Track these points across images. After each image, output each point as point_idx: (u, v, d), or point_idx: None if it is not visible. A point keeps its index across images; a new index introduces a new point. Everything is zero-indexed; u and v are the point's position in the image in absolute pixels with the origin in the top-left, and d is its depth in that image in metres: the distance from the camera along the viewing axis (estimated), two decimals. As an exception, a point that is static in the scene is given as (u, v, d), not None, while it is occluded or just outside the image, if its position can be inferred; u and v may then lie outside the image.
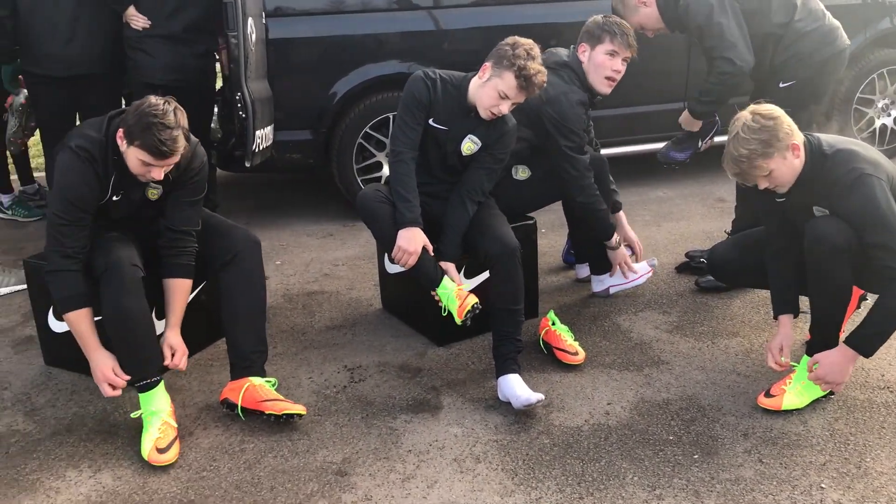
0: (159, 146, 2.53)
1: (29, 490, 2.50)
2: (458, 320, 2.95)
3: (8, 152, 4.91)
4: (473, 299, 2.95)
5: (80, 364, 3.06)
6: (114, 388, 2.70)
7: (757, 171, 2.60)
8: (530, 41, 2.95)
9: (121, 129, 2.61)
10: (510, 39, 2.95)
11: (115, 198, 2.76)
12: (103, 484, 2.53)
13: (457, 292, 2.97)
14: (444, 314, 3.01)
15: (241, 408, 2.78)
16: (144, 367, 2.70)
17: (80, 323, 2.70)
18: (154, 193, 2.84)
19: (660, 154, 3.73)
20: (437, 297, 3.01)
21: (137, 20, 4.01)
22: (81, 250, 2.70)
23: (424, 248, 2.99)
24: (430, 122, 3.06)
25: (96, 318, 2.73)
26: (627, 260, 3.60)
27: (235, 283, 2.93)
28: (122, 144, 2.62)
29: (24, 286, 3.70)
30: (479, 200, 3.16)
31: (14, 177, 5.13)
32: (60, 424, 2.85)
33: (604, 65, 3.36)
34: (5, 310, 3.76)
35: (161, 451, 2.59)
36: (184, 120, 2.60)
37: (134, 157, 2.59)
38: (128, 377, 2.69)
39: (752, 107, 2.66)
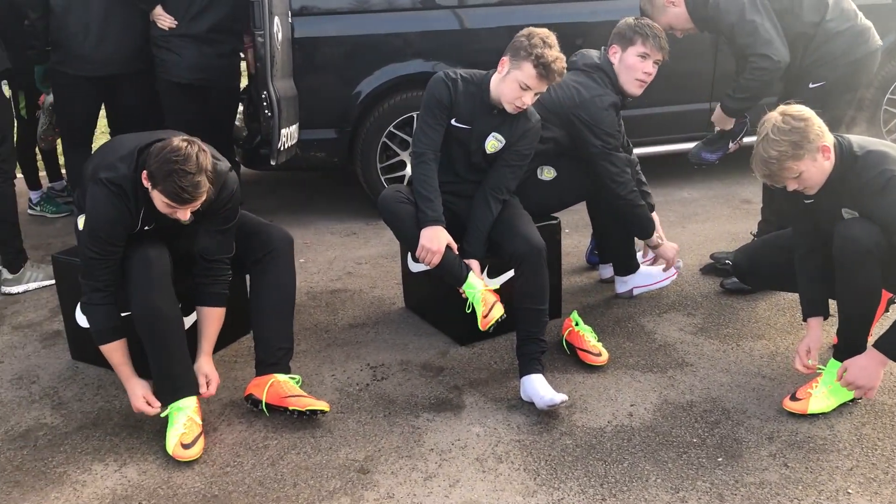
0: (181, 193, 2.48)
1: (56, 483, 2.54)
2: (480, 327, 2.95)
3: (37, 149, 4.97)
4: (500, 311, 2.95)
5: (106, 360, 3.10)
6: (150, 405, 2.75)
7: (786, 172, 2.58)
8: (545, 30, 2.93)
9: (144, 171, 2.56)
10: (525, 31, 2.94)
11: (146, 227, 2.76)
12: (128, 478, 2.55)
13: (483, 294, 2.97)
14: (468, 310, 3.01)
15: (266, 404, 2.80)
16: (176, 378, 2.72)
17: (113, 355, 2.75)
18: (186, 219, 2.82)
19: (691, 154, 3.70)
20: (463, 294, 3.01)
21: (164, 19, 4.04)
22: (112, 283, 2.71)
23: (448, 247, 2.99)
24: (453, 122, 3.06)
25: (124, 314, 2.76)
26: (676, 251, 3.58)
27: (267, 279, 2.95)
28: (148, 185, 2.57)
29: (52, 281, 3.75)
30: (504, 199, 3.15)
31: (42, 173, 5.20)
32: (87, 418, 2.88)
33: (635, 67, 3.34)
34: (34, 304, 3.81)
35: (186, 446, 2.61)
36: (207, 162, 2.52)
37: (159, 199, 2.55)
38: (159, 405, 2.73)
39: (781, 108, 2.63)
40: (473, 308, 2.98)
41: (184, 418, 2.68)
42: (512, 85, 2.92)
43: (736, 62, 3.56)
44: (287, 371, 2.90)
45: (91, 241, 2.66)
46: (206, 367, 2.84)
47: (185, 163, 2.46)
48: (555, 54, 2.86)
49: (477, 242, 3.11)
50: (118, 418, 2.87)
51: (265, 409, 2.81)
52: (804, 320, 2.90)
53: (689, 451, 2.61)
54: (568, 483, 2.47)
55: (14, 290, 3.92)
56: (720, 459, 2.57)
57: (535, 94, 2.96)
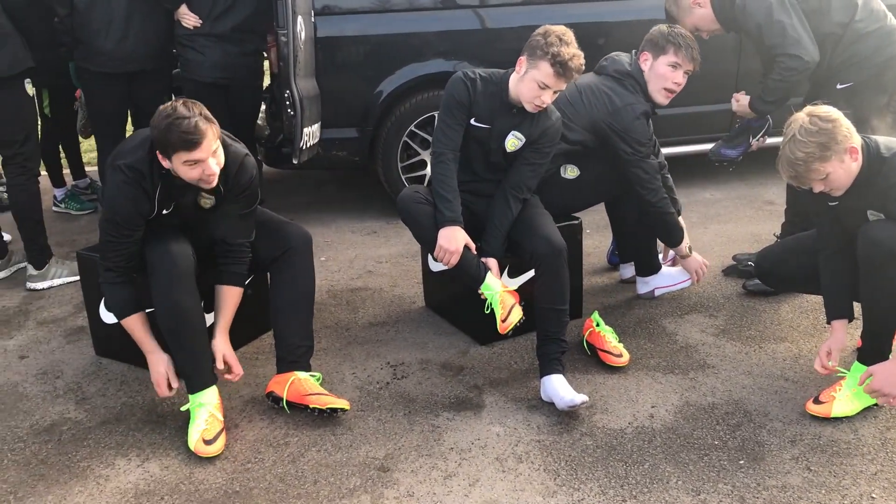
0: (188, 136, 2.51)
1: (80, 477, 2.56)
2: (499, 330, 2.95)
3: (80, 139, 5.06)
4: (518, 314, 2.94)
5: (129, 355, 3.14)
6: (170, 387, 2.78)
7: (813, 174, 2.55)
8: (562, 27, 2.91)
9: (157, 152, 2.61)
10: (541, 29, 2.92)
11: (164, 211, 2.78)
12: (151, 473, 2.57)
13: (502, 296, 2.97)
14: (486, 311, 3.01)
15: (287, 401, 2.81)
16: (198, 372, 2.75)
17: (133, 328, 2.81)
18: (207, 202, 2.84)
19: (711, 152, 3.68)
20: (482, 295, 3.01)
21: (189, 18, 4.08)
22: (125, 263, 2.78)
23: (466, 247, 2.99)
24: (472, 121, 3.05)
25: (148, 311, 2.79)
26: (702, 266, 3.56)
27: (286, 277, 2.97)
28: (166, 163, 2.61)
29: (77, 278, 3.79)
30: (524, 198, 3.14)
31: (66, 171, 5.26)
32: (110, 414, 2.91)
33: (665, 76, 3.33)
34: (58, 300, 3.85)
35: (207, 442, 2.63)
36: (197, 108, 2.57)
37: (179, 165, 2.58)
38: (177, 384, 2.77)
39: (808, 108, 2.60)
40: (492, 309, 2.98)
41: (205, 414, 2.69)
42: (530, 84, 2.92)
43: (762, 62, 3.53)
44: (308, 368, 2.91)
45: (108, 224, 2.74)
46: (221, 345, 2.85)
47: (175, 112, 2.53)
48: (572, 52, 2.84)
49: (495, 242, 3.11)
50: (141, 414, 2.90)
51: (286, 407, 2.82)
52: (828, 323, 2.88)
53: (710, 453, 2.60)
54: (588, 484, 2.47)
55: (39, 286, 3.97)
56: (742, 462, 2.55)
57: (555, 93, 2.95)
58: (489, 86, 3.05)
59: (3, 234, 4.20)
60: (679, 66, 3.32)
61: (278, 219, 3.10)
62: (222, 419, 2.73)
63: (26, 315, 3.71)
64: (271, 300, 2.99)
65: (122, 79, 4.11)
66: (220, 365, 2.82)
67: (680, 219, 3.62)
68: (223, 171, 2.71)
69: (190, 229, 2.91)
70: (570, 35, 2.89)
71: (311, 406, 2.77)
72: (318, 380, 2.91)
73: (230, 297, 2.91)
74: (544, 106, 2.97)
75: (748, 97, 3.53)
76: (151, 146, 2.66)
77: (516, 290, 3.05)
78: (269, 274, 3.05)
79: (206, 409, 2.71)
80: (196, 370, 2.75)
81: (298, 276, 2.98)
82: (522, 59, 2.95)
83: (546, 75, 2.87)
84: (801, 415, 2.77)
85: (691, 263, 3.55)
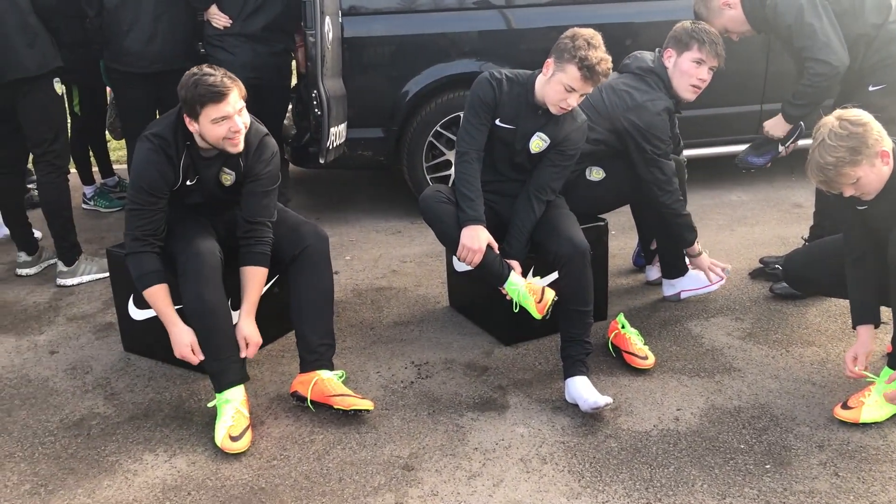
0: (213, 89, 2.62)
1: (108, 471, 2.60)
2: (538, 316, 2.96)
3: (109, 137, 5.14)
4: (550, 293, 2.96)
5: (157, 351, 3.18)
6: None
7: (843, 178, 2.52)
8: (591, 30, 2.90)
9: (185, 116, 2.73)
10: (569, 32, 2.91)
11: (188, 182, 2.85)
12: (178, 468, 2.60)
13: (528, 287, 2.97)
14: (515, 310, 3.01)
15: (311, 401, 2.83)
16: (224, 371, 2.77)
17: (157, 299, 2.81)
18: (227, 179, 2.92)
19: (738, 159, 3.64)
20: (506, 294, 3.01)
21: (219, 18, 4.11)
22: (153, 233, 2.81)
23: (489, 246, 2.99)
24: (497, 122, 3.06)
25: (177, 307, 2.82)
26: (711, 265, 3.54)
27: (303, 277, 2.98)
28: (194, 126, 2.72)
29: (106, 274, 3.84)
30: (548, 199, 3.14)
31: (95, 169, 5.32)
32: (138, 409, 2.94)
33: (689, 72, 3.31)
34: (87, 297, 3.90)
35: (234, 438, 2.65)
36: (221, 70, 2.70)
37: (207, 123, 2.68)
38: (202, 357, 2.78)
39: (838, 112, 2.57)
40: (521, 307, 2.98)
41: (231, 411, 2.72)
42: (556, 87, 2.91)
43: (795, 65, 3.49)
44: (330, 367, 2.93)
45: (134, 192, 2.80)
46: (246, 328, 2.86)
47: (201, 71, 2.67)
48: (599, 55, 2.83)
49: (518, 243, 3.11)
50: (168, 410, 2.93)
51: (311, 406, 2.84)
52: (853, 328, 2.85)
53: (736, 457, 2.58)
54: (612, 486, 2.46)
55: (69, 282, 4.02)
56: (768, 466, 2.53)
57: (581, 96, 2.94)
58: (515, 86, 3.05)
59: (34, 230, 4.26)
60: (703, 62, 3.30)
61: (295, 218, 3.13)
62: (248, 416, 2.75)
63: (56, 311, 3.77)
64: (291, 300, 3.00)
65: (149, 78, 4.15)
66: (242, 349, 2.83)
67: None
68: (244, 148, 2.80)
69: (212, 210, 2.96)
70: (598, 39, 2.88)
71: (335, 407, 2.79)
72: (341, 378, 2.93)
73: (255, 277, 2.92)
74: (569, 108, 2.97)
75: (776, 117, 3.49)
76: (178, 114, 2.76)
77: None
78: (287, 275, 3.06)
79: (232, 405, 2.73)
80: (223, 368, 2.77)
81: (316, 275, 3.00)
82: (550, 61, 2.94)
83: (573, 79, 2.86)
84: (829, 420, 2.74)
85: (702, 262, 3.53)
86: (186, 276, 2.77)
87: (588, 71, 2.82)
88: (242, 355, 2.83)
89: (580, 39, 2.85)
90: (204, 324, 2.75)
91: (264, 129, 2.94)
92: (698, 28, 3.31)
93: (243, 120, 2.74)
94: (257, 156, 2.88)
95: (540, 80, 3.01)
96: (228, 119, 2.68)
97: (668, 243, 3.60)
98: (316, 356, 2.92)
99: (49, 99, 3.84)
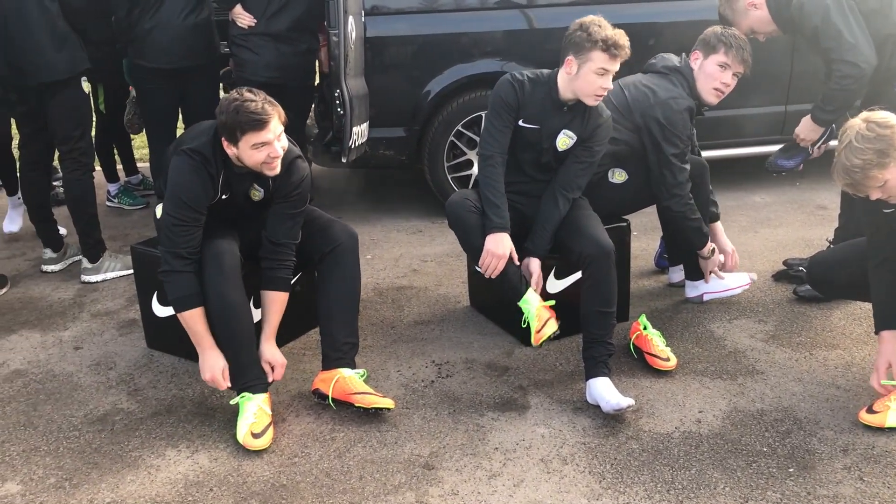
0: (255, 117, 2.62)
1: (132, 466, 2.62)
2: (532, 342, 2.94)
3: (125, 137, 5.17)
4: (553, 327, 2.93)
5: (179, 348, 3.20)
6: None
7: (870, 181, 2.49)
8: (591, 16, 2.96)
9: (223, 140, 2.71)
10: (574, 25, 2.96)
11: (223, 196, 2.85)
12: (200, 464, 2.62)
13: (538, 311, 2.95)
14: (522, 325, 3.00)
15: (332, 399, 2.84)
16: (245, 370, 2.78)
17: (194, 322, 2.78)
18: (256, 195, 2.92)
19: (768, 163, 3.60)
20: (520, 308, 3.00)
21: (244, 18, 4.13)
22: (195, 251, 2.77)
23: (511, 258, 2.98)
24: (521, 122, 3.05)
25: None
26: (717, 270, 3.53)
27: (333, 275, 3.00)
28: (231, 150, 2.71)
29: (130, 271, 3.87)
30: (574, 196, 3.13)
31: (119, 167, 5.37)
32: (161, 405, 2.96)
33: (713, 75, 3.30)
34: (111, 293, 3.94)
35: (255, 435, 2.67)
36: (261, 94, 2.69)
37: (246, 149, 2.66)
38: (229, 385, 2.79)
39: (865, 114, 2.54)
40: (528, 322, 2.96)
41: (254, 408, 2.73)
42: (588, 77, 2.92)
43: (823, 66, 3.45)
44: (352, 366, 2.94)
45: (174, 207, 2.75)
46: (268, 352, 2.88)
47: (242, 97, 2.65)
48: (614, 31, 2.90)
49: (541, 240, 3.10)
50: (191, 406, 2.95)
51: (332, 404, 2.85)
52: (876, 333, 2.81)
53: (758, 460, 2.56)
54: (634, 487, 2.45)
55: (93, 278, 4.06)
56: (791, 470, 2.51)
57: (613, 75, 2.96)
58: (538, 86, 3.05)
59: (59, 227, 4.31)
60: (728, 66, 3.28)
61: (326, 217, 3.13)
62: (270, 413, 2.76)
63: (81, 307, 3.80)
64: (318, 298, 3.02)
65: (174, 75, 4.18)
66: (269, 373, 2.85)
67: (718, 223, 3.58)
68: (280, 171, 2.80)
69: (239, 225, 2.97)
70: (601, 19, 2.94)
71: (356, 405, 2.80)
72: (362, 376, 2.94)
73: (275, 303, 2.93)
74: (605, 93, 2.97)
75: (805, 122, 3.46)
76: (215, 134, 2.75)
77: (553, 306, 3.01)
78: (316, 272, 3.08)
79: (254, 402, 2.75)
80: (243, 368, 2.79)
81: (345, 274, 3.01)
82: (570, 58, 2.95)
83: (602, 61, 2.89)
84: (854, 424, 2.72)
85: (709, 264, 3.53)
86: (207, 274, 2.78)
87: (614, 48, 2.87)
88: (270, 380, 2.85)
89: (591, 27, 2.90)
90: (225, 322, 2.77)
91: (297, 151, 2.93)
92: (727, 33, 3.30)
93: (282, 145, 2.73)
94: (287, 177, 2.86)
95: (563, 78, 3.01)
96: (268, 145, 2.67)
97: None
98: (339, 354, 2.93)
99: (77, 98, 3.89)
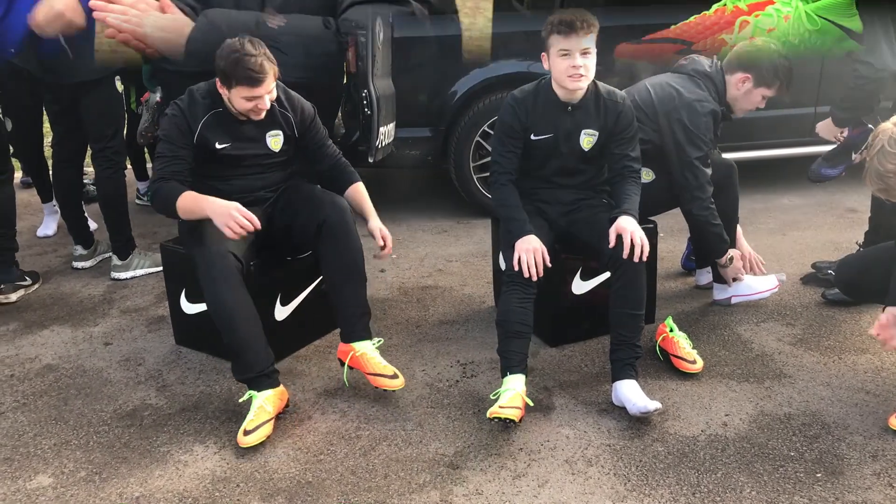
0: (251, 74, 2.78)
1: (160, 461, 2.65)
2: (489, 412, 2.71)
3: (138, 144, 5.20)
4: (514, 414, 2.66)
5: (207, 344, 3.24)
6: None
7: None
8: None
9: (217, 80, 2.89)
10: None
11: (218, 145, 2.96)
12: (227, 460, 2.65)
13: (517, 395, 2.73)
14: (493, 396, 2.79)
15: (348, 366, 2.93)
16: (251, 374, 2.79)
17: (186, 201, 2.84)
18: (276, 143, 3.08)
19: (810, 171, 3.58)
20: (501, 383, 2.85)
21: (274, 18, 4.15)
22: (176, 174, 2.89)
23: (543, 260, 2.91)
24: (532, 137, 3.03)
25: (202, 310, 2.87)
26: (740, 272, 3.52)
27: (330, 251, 3.00)
28: (225, 92, 2.89)
29: (159, 269, 3.92)
30: (637, 170, 3.05)
31: (149, 165, 5.43)
32: (189, 401, 3.00)
33: (756, 103, 3.39)
34: (140, 290, 3.99)
35: (246, 432, 2.66)
36: (262, 48, 2.83)
37: (238, 98, 2.85)
38: (249, 223, 2.74)
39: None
40: (499, 395, 2.76)
41: (255, 406, 2.74)
42: (555, 62, 2.89)
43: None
44: (365, 336, 2.97)
45: (161, 142, 2.96)
46: (374, 224, 3.09)
47: (243, 48, 2.79)
48: (566, 12, 2.86)
49: (632, 204, 2.96)
50: (218, 402, 2.98)
51: (348, 368, 2.93)
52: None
53: (786, 464, 2.54)
54: (659, 490, 2.44)
55: (122, 275, 4.11)
56: (819, 475, 2.49)
57: (582, 54, 2.83)
58: (539, 95, 3.02)
59: (90, 223, 4.37)
60: (768, 97, 3.37)
61: (309, 189, 3.18)
62: (271, 410, 2.75)
63: (110, 303, 3.86)
64: (323, 276, 3.10)
65: (198, 78, 4.21)
66: (378, 241, 3.04)
67: (738, 226, 3.57)
68: (290, 109, 3.07)
69: (257, 188, 3.09)
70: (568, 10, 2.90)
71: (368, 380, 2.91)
72: (377, 344, 2.97)
73: (358, 191, 3.18)
74: (581, 73, 2.87)
75: (826, 121, 3.45)
76: (212, 82, 2.93)
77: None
78: (314, 252, 3.08)
79: (256, 400, 2.76)
80: (249, 365, 2.79)
81: (340, 247, 3.00)
82: (543, 55, 2.95)
83: (559, 42, 2.84)
84: (884, 429, 2.69)
85: (729, 272, 3.50)
86: (202, 279, 2.82)
87: (564, 25, 2.81)
88: (384, 253, 3.07)
89: (551, 17, 2.89)
90: (226, 323, 2.78)
91: (295, 94, 3.13)
92: (785, 67, 3.30)
93: (271, 96, 2.91)
94: (300, 113, 3.11)
95: (551, 76, 3.00)
96: (259, 99, 2.85)
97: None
98: (349, 327, 2.97)
99: (111, 97, 3.95)
